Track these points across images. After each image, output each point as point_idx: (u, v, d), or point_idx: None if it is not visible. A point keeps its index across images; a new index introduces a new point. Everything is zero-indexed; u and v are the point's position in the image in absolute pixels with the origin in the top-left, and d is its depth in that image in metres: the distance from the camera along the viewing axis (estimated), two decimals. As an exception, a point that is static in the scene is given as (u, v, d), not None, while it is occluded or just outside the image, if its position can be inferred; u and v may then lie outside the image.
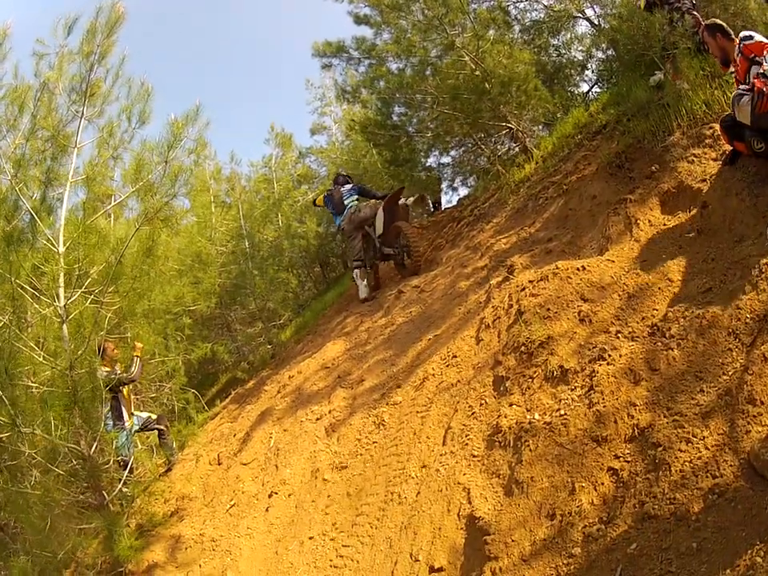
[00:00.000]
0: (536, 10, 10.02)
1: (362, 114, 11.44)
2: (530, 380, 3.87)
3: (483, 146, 9.52)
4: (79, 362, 4.84)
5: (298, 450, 5.43)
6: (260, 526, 5.01)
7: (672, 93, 5.33)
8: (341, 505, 4.52)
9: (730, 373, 2.90)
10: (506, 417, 3.73)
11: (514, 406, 3.80)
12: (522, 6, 10.06)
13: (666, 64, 5.81)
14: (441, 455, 4.02)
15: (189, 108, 5.48)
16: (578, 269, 4.36)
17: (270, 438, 5.94)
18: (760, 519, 2.29)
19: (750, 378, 2.77)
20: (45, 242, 5.24)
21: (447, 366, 4.80)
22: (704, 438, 2.71)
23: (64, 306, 5.02)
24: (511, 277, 5.08)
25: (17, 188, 5.30)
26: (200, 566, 5.02)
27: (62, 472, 4.93)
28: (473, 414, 4.08)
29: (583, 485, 3.02)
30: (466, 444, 3.90)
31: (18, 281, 4.89)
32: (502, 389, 4.05)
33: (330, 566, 4.11)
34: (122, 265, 5.15)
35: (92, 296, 5.12)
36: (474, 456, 3.77)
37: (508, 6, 9.71)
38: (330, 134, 16.90)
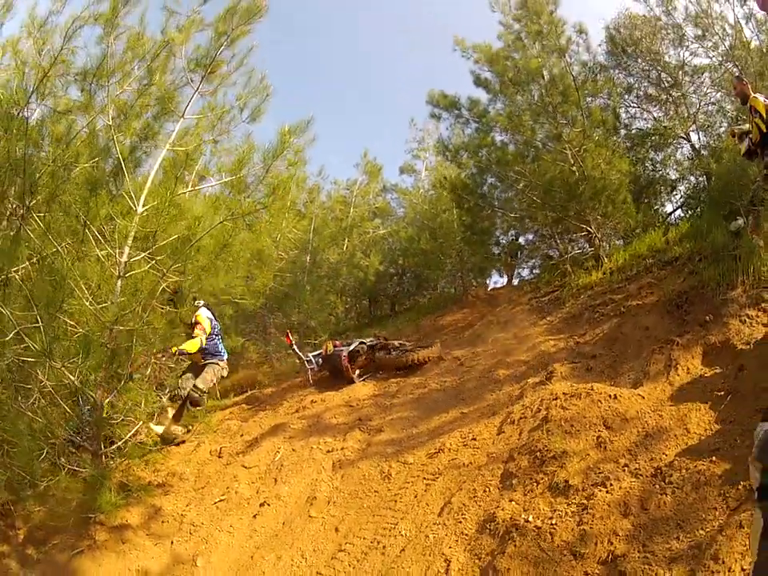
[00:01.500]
0: (644, 119, 10.54)
1: (454, 173, 11.54)
2: (535, 484, 4.10)
3: (558, 241, 9.80)
4: (124, 319, 4.97)
5: (301, 472, 5.63)
6: (243, 528, 5.14)
7: (746, 246, 5.51)
8: (326, 537, 4.72)
9: (707, 530, 3.10)
10: (503, 509, 3.97)
11: (513, 503, 4.03)
12: (632, 111, 10.58)
13: (748, 215, 5.99)
14: (434, 524, 4.24)
15: (300, 119, 5.81)
16: (609, 395, 4.61)
17: (278, 452, 6.12)
18: None
19: (722, 538, 2.97)
20: (126, 197, 5.34)
21: (465, 445, 5.06)
22: (664, 578, 2.90)
23: (125, 262, 5.20)
24: (548, 384, 5.36)
25: (114, 133, 5.46)
26: (172, 542, 5.10)
27: (69, 410, 5.05)
28: (474, 497, 4.31)
29: (551, 590, 3.23)
30: (460, 522, 4.13)
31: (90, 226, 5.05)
32: (507, 483, 4.28)
33: (300, 589, 4.30)
34: (195, 248, 5.22)
35: (153, 262, 5.22)
36: (464, 534, 4.00)
37: (620, 108, 10.08)
38: (418, 179, 17.29)
